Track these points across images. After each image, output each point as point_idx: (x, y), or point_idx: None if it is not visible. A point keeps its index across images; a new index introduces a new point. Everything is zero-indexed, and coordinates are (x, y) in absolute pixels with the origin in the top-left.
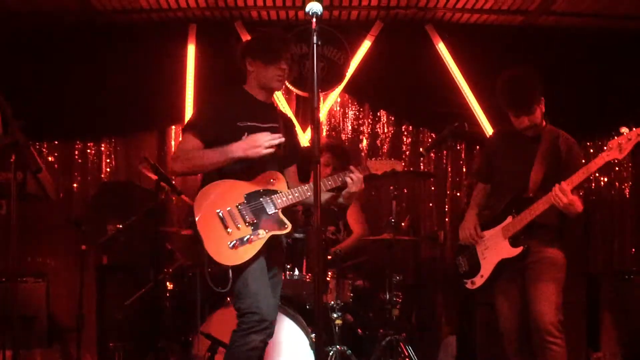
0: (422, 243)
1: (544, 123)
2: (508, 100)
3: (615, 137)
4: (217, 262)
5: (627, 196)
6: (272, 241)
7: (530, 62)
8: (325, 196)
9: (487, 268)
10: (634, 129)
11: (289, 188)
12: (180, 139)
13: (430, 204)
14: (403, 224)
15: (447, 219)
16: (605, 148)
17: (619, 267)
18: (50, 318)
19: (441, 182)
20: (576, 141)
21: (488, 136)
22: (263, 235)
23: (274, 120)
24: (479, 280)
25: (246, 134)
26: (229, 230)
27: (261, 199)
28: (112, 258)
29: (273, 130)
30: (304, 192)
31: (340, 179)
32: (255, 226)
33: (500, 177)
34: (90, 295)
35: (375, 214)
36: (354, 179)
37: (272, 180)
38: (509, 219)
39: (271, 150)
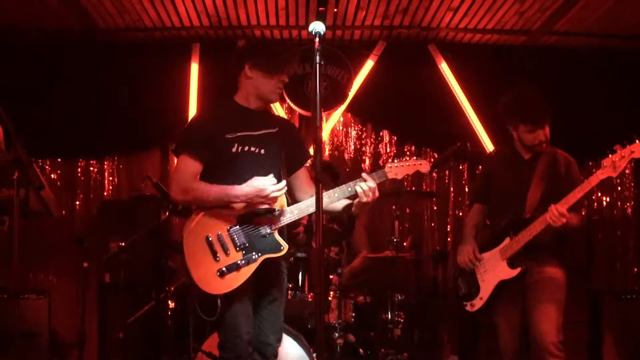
0: (424, 262)
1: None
2: (525, 115)
3: (610, 155)
4: (204, 291)
5: (630, 216)
6: (269, 264)
7: (533, 82)
8: (339, 205)
9: (486, 290)
10: (627, 146)
11: (289, 204)
12: (176, 161)
13: (433, 224)
14: (405, 243)
15: (449, 239)
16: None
17: (622, 287)
18: (52, 335)
19: (443, 201)
20: (575, 160)
21: (486, 156)
22: (255, 259)
23: (269, 125)
24: (478, 303)
25: (236, 145)
26: (217, 257)
27: (254, 220)
28: (114, 276)
29: (268, 136)
30: (305, 209)
31: (349, 189)
32: (247, 250)
33: (499, 199)
34: (92, 312)
35: (378, 233)
36: (364, 189)
37: None
38: (507, 240)
39: (278, 195)
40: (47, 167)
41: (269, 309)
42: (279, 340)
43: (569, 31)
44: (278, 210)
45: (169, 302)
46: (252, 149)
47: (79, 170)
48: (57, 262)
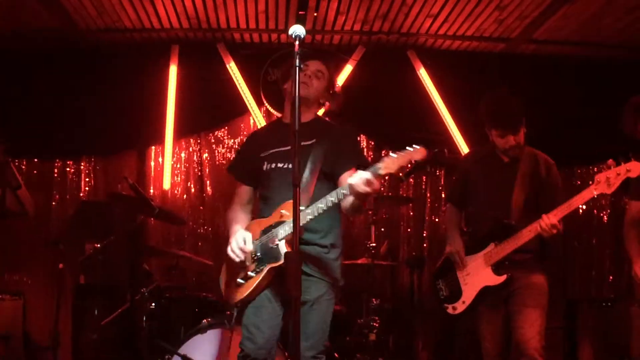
0: (400, 268)
1: (523, 142)
2: (495, 119)
3: (603, 170)
4: (224, 298)
5: (606, 224)
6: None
7: (511, 89)
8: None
9: (469, 294)
10: (622, 163)
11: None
12: None
13: (409, 230)
14: (381, 249)
15: (425, 245)
16: (591, 182)
17: (597, 294)
18: (26, 336)
19: (420, 207)
20: (554, 162)
21: (463, 158)
22: (262, 269)
23: (302, 138)
24: (460, 306)
25: (265, 163)
26: (244, 267)
27: (269, 234)
28: (89, 277)
29: (302, 149)
30: (303, 217)
31: (338, 195)
32: (260, 262)
33: (480, 202)
34: (67, 314)
35: (354, 238)
36: (354, 188)
37: (283, 212)
38: (492, 245)
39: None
40: (23, 167)
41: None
42: (313, 347)
43: (548, 39)
44: (287, 222)
45: (144, 304)
46: (280, 164)
47: (56, 170)
48: (32, 262)
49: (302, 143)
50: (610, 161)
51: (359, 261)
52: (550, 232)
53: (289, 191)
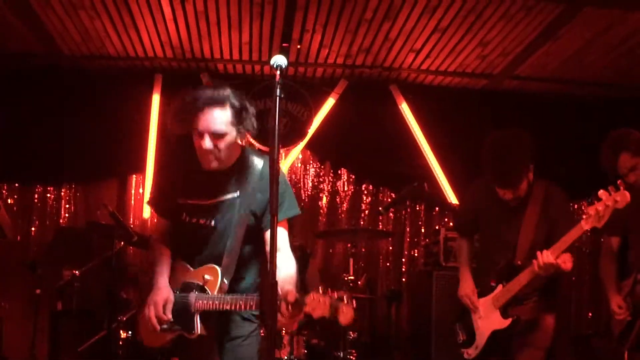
0: (378, 301)
1: (531, 181)
2: (494, 175)
3: (595, 203)
4: (143, 340)
5: (585, 260)
6: (220, 318)
7: (494, 125)
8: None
9: (480, 340)
10: (612, 193)
11: (227, 291)
12: None
13: (388, 264)
14: (359, 282)
15: (404, 279)
16: (584, 215)
17: (576, 331)
18: None
19: (399, 241)
20: (566, 196)
21: (470, 188)
22: (174, 330)
23: (228, 190)
24: (473, 352)
25: (184, 214)
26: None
27: (187, 295)
28: (66, 303)
29: (224, 204)
30: (223, 302)
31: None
32: (174, 317)
33: (489, 241)
34: (44, 339)
35: (332, 271)
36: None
37: (206, 277)
38: (500, 287)
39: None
40: (3, 191)
41: (227, 348)
42: None
43: (530, 76)
44: (207, 291)
45: (121, 332)
46: (202, 221)
47: (36, 196)
48: (9, 287)
49: (226, 197)
50: (600, 192)
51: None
52: (547, 271)
53: (211, 254)
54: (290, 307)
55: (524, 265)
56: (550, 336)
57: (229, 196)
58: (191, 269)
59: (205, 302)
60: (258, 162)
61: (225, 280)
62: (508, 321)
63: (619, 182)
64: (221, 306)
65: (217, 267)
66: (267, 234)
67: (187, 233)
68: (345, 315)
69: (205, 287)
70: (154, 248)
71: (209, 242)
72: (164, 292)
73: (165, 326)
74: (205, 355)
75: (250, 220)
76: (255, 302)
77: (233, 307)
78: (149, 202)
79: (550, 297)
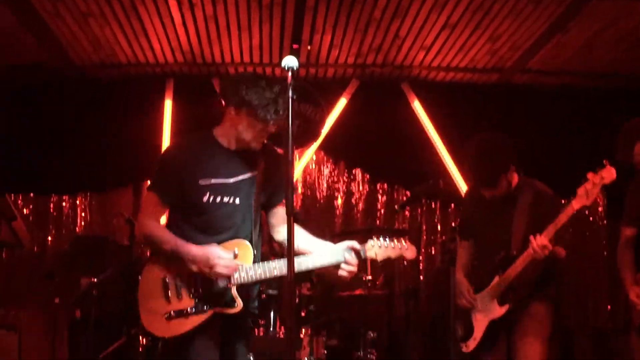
0: (396, 300)
1: (517, 180)
2: (472, 174)
3: (584, 184)
4: (147, 330)
5: (603, 252)
6: (230, 319)
7: (505, 120)
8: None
9: (479, 330)
10: (599, 171)
11: (255, 262)
12: (145, 198)
13: (405, 262)
14: (377, 281)
15: (421, 277)
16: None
17: (594, 324)
18: None
19: (415, 239)
20: (553, 193)
21: (464, 194)
22: (205, 310)
23: (248, 169)
24: (472, 344)
25: (208, 194)
26: (169, 300)
27: None
28: (85, 312)
29: (245, 182)
30: (269, 270)
31: (324, 261)
32: (199, 299)
33: (482, 240)
34: (63, 348)
35: None
36: (345, 268)
37: (236, 251)
38: (496, 278)
39: (225, 272)
40: (19, 201)
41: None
42: None
43: (540, 69)
44: (242, 264)
45: (140, 338)
46: (226, 199)
47: (52, 205)
48: (28, 297)
49: (246, 176)
50: (589, 173)
51: (356, 292)
52: (543, 253)
53: (236, 232)
54: (354, 255)
55: (519, 255)
56: (548, 326)
57: (249, 175)
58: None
59: (246, 274)
60: (268, 144)
61: (256, 252)
62: (505, 308)
63: (604, 161)
64: (266, 274)
65: (246, 241)
66: (270, 211)
67: (210, 213)
68: (411, 250)
69: (237, 261)
70: (157, 227)
71: (233, 219)
72: (206, 249)
73: (191, 309)
74: (238, 332)
75: (263, 199)
76: (317, 259)
77: (279, 273)
78: (153, 188)
79: (546, 289)
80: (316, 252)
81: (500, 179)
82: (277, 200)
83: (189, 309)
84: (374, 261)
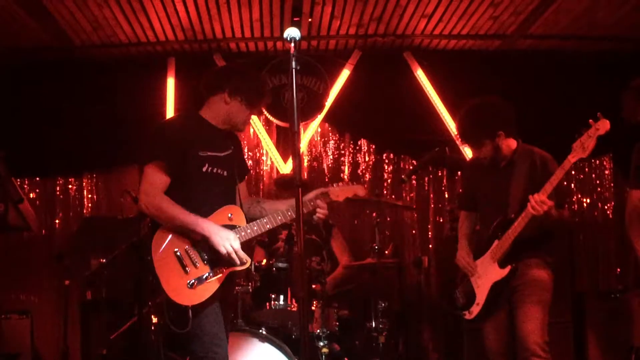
0: (406, 269)
1: (515, 147)
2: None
3: (578, 138)
4: (176, 302)
5: (610, 217)
6: (228, 277)
7: (509, 86)
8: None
9: (481, 295)
10: (593, 124)
11: (247, 222)
12: (148, 171)
13: (414, 231)
14: (386, 251)
15: (430, 246)
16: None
17: (605, 287)
18: (35, 354)
19: (424, 208)
20: (551, 156)
21: (464, 164)
22: (221, 273)
23: (229, 146)
24: (475, 309)
25: (207, 164)
26: (187, 269)
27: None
28: (96, 292)
29: (229, 158)
30: (263, 225)
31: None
32: (213, 264)
33: (482, 207)
34: (75, 330)
35: (358, 242)
36: (319, 212)
37: (230, 215)
38: (496, 242)
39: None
40: (25, 186)
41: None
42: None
43: (543, 34)
44: (239, 226)
45: (152, 317)
46: (219, 170)
47: (58, 188)
48: (38, 280)
49: (229, 152)
50: (583, 129)
51: (365, 261)
52: (541, 210)
53: (227, 198)
54: (322, 198)
55: (518, 216)
56: (548, 290)
57: (230, 150)
58: (212, 214)
59: (245, 232)
60: None
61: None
62: (506, 270)
63: (598, 114)
64: (262, 229)
65: (234, 205)
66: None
67: (207, 183)
68: (360, 188)
69: (232, 223)
70: (165, 199)
71: (224, 190)
72: (224, 230)
73: (209, 274)
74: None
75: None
76: (292, 210)
77: (274, 224)
78: (158, 157)
79: (546, 254)
80: (293, 205)
81: (483, 143)
82: (241, 177)
83: (206, 274)
84: (337, 202)
